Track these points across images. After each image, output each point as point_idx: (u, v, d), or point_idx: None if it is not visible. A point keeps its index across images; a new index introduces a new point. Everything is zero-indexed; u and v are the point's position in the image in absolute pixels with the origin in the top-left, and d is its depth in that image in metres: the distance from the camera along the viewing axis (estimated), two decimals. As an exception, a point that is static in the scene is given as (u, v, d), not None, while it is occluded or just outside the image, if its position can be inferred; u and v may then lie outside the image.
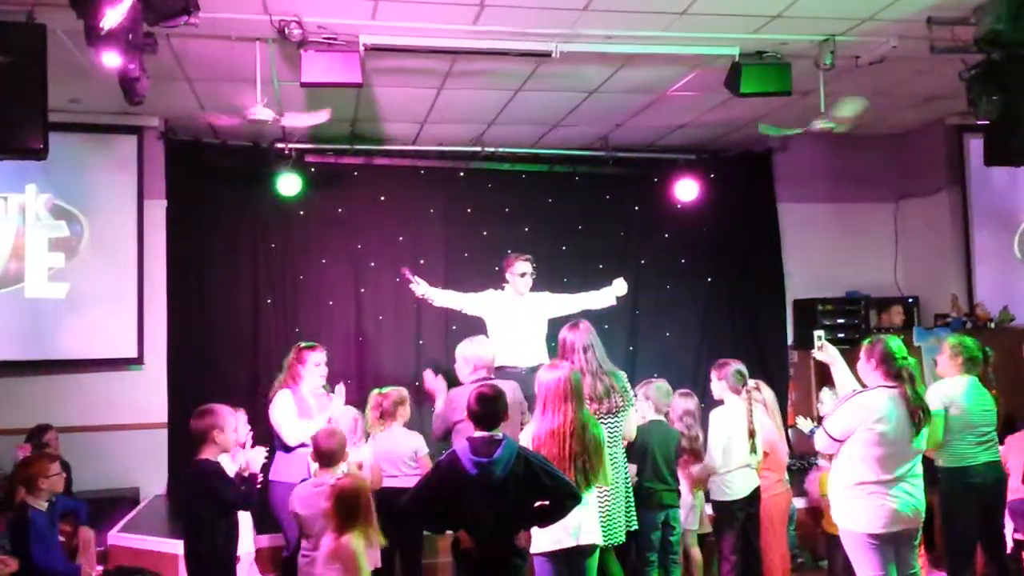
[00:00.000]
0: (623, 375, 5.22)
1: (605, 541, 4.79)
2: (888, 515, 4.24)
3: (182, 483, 4.97)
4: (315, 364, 5.71)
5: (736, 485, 5.41)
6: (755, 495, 5.50)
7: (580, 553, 4.31)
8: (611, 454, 4.80)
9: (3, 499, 5.78)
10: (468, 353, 5.52)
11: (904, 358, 4.34)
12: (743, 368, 5.65)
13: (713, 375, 5.68)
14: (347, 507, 4.05)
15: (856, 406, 4.31)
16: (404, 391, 5.95)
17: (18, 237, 7.72)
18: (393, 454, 5.61)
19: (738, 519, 5.44)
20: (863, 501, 4.26)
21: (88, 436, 7.59)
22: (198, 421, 4.49)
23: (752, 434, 5.45)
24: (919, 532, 4.43)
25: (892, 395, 4.27)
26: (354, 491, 4.10)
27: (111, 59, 4.79)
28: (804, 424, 5.79)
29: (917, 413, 4.27)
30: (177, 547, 6.13)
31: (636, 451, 5.45)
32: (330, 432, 4.76)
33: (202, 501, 4.42)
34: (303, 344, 5.82)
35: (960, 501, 5.16)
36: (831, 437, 4.36)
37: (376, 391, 6.19)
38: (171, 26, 4.74)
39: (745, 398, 5.54)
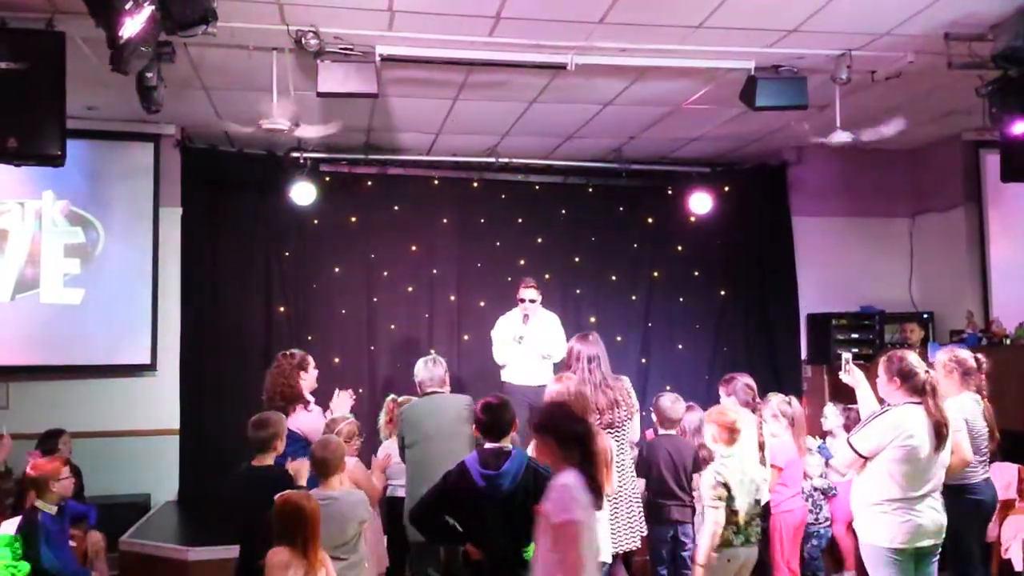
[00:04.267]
0: (626, 380, 5.25)
1: (620, 548, 4.82)
2: (912, 530, 4.21)
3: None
4: (314, 367, 5.71)
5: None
6: (765, 510, 5.47)
7: None
8: (618, 461, 4.97)
9: (15, 503, 5.81)
10: (416, 372, 5.56)
11: (926, 371, 4.31)
12: (751, 381, 5.63)
13: (721, 391, 5.64)
14: (284, 521, 3.92)
15: (887, 424, 4.26)
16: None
17: (34, 243, 7.76)
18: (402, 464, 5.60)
19: None
20: (888, 516, 4.23)
21: (101, 441, 7.61)
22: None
23: (762, 447, 5.43)
24: (939, 548, 4.40)
25: (919, 411, 4.24)
26: (295, 506, 3.94)
27: (129, 68, 4.82)
28: (812, 443, 5.75)
29: (941, 428, 4.24)
30: (186, 553, 6.16)
31: (643, 465, 5.44)
32: (325, 442, 4.70)
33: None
34: (293, 351, 5.77)
35: (969, 518, 5.10)
36: (859, 454, 4.31)
37: (391, 398, 6.19)
38: (189, 35, 4.77)
39: (757, 412, 5.52)
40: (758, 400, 5.64)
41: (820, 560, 6.10)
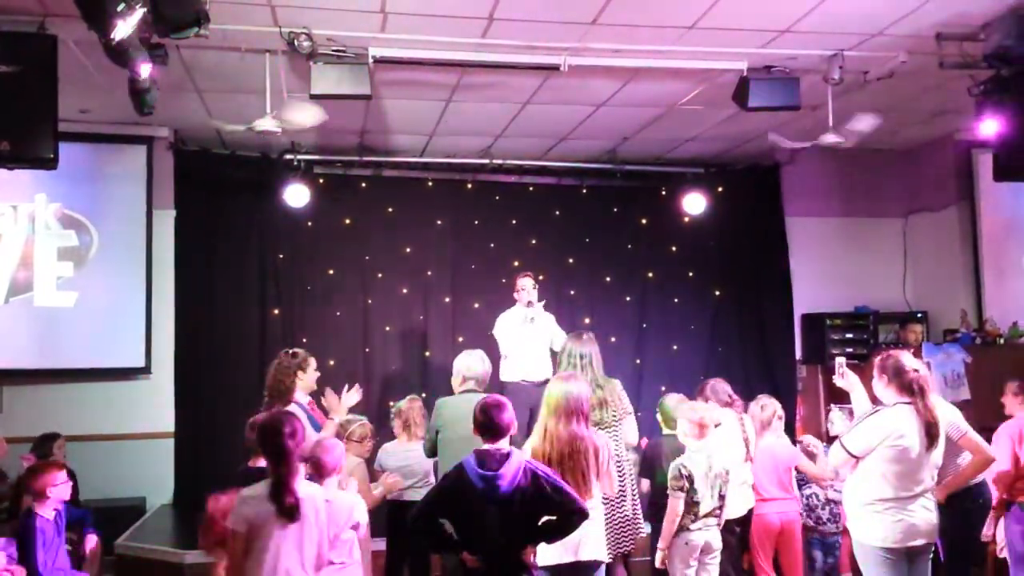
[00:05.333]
0: (618, 383, 5.24)
1: (618, 550, 4.81)
2: (905, 530, 4.22)
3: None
4: (315, 369, 5.64)
5: (733, 503, 5.32)
6: (749, 514, 5.44)
7: (582, 569, 4.27)
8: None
9: (10, 507, 5.79)
10: (459, 364, 5.49)
11: (916, 370, 4.32)
12: (725, 384, 5.63)
13: (698, 398, 5.62)
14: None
15: (878, 424, 4.27)
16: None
17: (27, 246, 7.75)
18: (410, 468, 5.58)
19: (734, 537, 5.36)
20: (880, 516, 4.25)
21: (95, 445, 7.60)
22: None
23: (747, 443, 5.43)
24: (932, 548, 4.41)
25: (910, 411, 4.26)
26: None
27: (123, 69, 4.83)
28: (817, 447, 5.73)
29: (932, 428, 4.25)
30: (182, 556, 6.16)
31: (645, 465, 5.44)
32: (320, 443, 4.64)
33: None
34: (295, 351, 5.69)
35: (979, 517, 5.14)
36: (850, 454, 4.32)
37: (410, 398, 6.13)
38: (181, 37, 4.76)
39: (737, 411, 5.53)
40: (734, 398, 5.64)
41: (836, 572, 6.01)
